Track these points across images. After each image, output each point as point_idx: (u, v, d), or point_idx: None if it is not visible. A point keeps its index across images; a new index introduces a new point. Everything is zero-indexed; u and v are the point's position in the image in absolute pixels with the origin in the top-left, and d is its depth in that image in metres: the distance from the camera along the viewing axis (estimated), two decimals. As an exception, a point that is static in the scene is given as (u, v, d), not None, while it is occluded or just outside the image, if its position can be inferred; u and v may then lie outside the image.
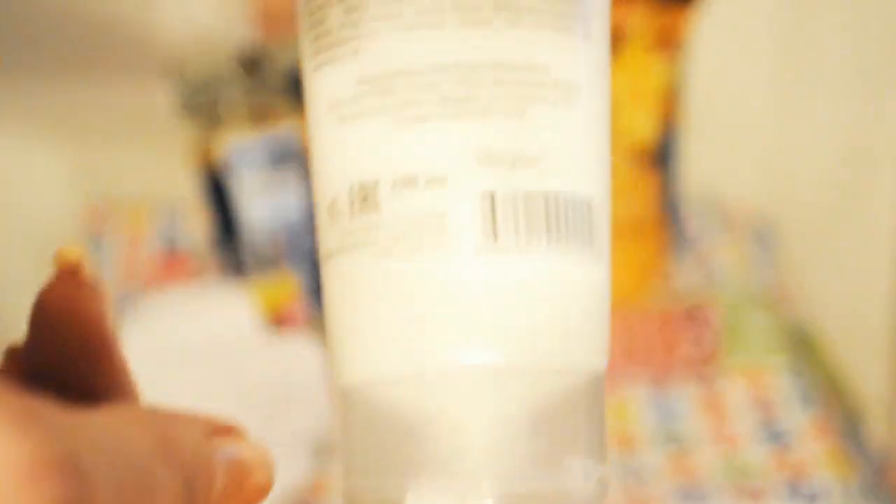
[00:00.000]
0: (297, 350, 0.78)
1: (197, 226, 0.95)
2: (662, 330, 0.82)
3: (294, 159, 0.81)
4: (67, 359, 0.31)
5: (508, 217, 0.32)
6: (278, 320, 0.83)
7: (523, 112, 0.32)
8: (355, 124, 0.32)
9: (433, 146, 0.32)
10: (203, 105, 0.80)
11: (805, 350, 0.86)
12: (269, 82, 0.81)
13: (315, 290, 0.84)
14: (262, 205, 0.82)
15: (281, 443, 0.73)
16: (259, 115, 0.81)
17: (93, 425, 0.24)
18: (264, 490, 0.29)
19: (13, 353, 0.32)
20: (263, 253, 0.83)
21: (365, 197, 0.32)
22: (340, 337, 0.33)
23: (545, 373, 0.32)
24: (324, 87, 0.33)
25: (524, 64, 0.32)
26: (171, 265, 0.94)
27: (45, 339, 0.31)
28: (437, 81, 0.32)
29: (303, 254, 0.83)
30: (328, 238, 0.33)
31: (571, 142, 0.33)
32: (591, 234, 0.33)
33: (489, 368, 0.31)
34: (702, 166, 0.99)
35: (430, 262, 0.32)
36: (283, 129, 0.81)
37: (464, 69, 0.32)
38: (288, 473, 0.72)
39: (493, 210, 0.32)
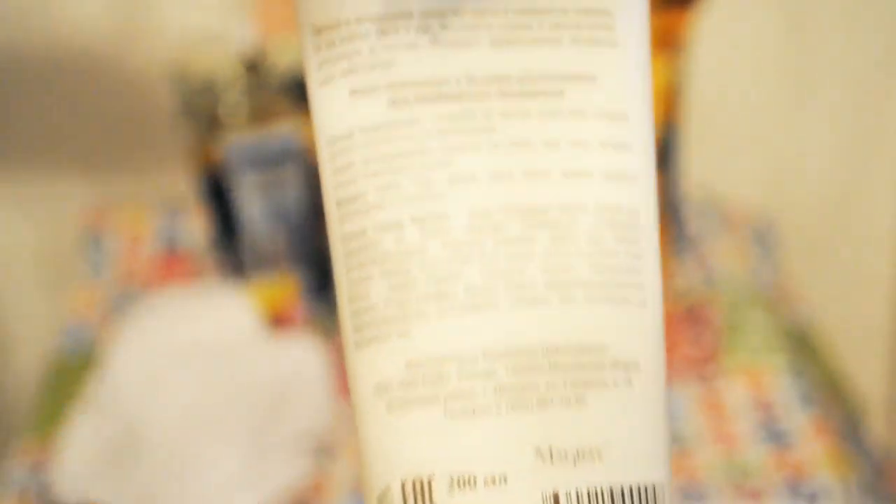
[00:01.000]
0: (297, 350, 0.78)
1: (197, 226, 0.95)
2: (662, 330, 0.82)
3: (294, 159, 0.81)
4: None
5: None
6: (278, 320, 0.83)
7: (583, 400, 0.30)
8: (406, 413, 0.30)
9: (491, 443, 0.30)
10: (203, 105, 0.80)
11: (805, 350, 0.86)
12: (269, 83, 0.81)
13: (315, 289, 0.84)
14: (262, 205, 0.82)
15: (281, 443, 0.73)
16: (259, 116, 0.81)
17: None
18: None
19: None
20: (263, 253, 0.83)
21: (421, 493, 0.30)
22: None
23: None
24: (369, 367, 0.31)
25: (581, 346, 0.31)
26: (171, 265, 0.94)
27: None
28: (491, 370, 0.30)
29: (303, 254, 0.83)
30: None
31: (634, 426, 0.31)
32: None
33: None
34: (702, 166, 0.99)
35: None
36: (283, 129, 0.81)
37: (519, 355, 0.30)
38: (288, 473, 0.72)
39: None
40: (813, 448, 0.75)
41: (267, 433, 0.73)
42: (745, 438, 0.75)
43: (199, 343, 0.76)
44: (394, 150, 0.31)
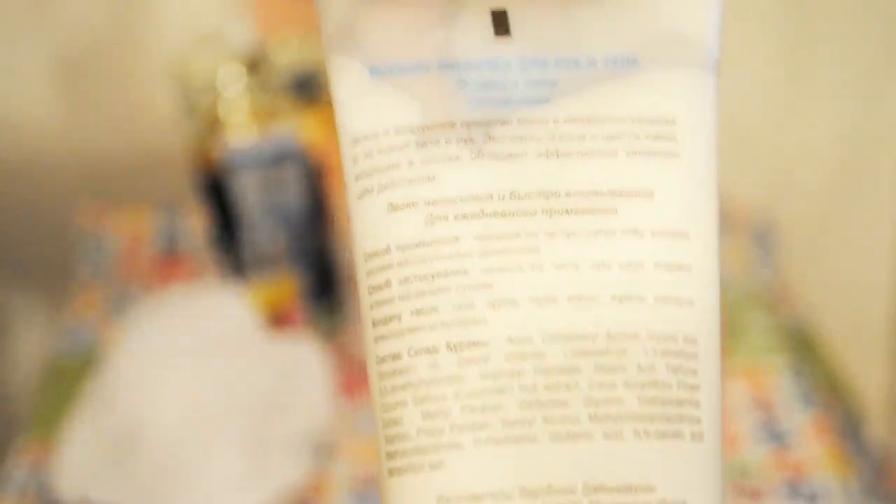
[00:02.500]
0: (297, 350, 0.78)
1: (197, 226, 0.95)
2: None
3: (294, 159, 0.81)
4: None
5: None
6: (278, 320, 0.83)
7: None
8: None
9: None
10: (203, 105, 0.80)
11: (805, 350, 0.86)
12: (269, 83, 0.81)
13: (315, 290, 0.84)
14: (262, 205, 0.82)
15: (281, 443, 0.73)
16: (259, 116, 0.81)
17: None
18: None
19: None
20: (263, 253, 0.83)
21: None
22: None
23: None
24: (400, 498, 0.29)
25: (626, 485, 0.29)
26: (171, 265, 0.94)
27: None
28: None
29: (303, 254, 0.83)
30: None
31: None
32: None
33: None
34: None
35: None
36: (283, 129, 0.81)
37: (557, 494, 0.28)
38: (288, 473, 0.72)
39: None
40: (813, 448, 0.75)
41: (267, 433, 0.73)
42: (745, 438, 0.75)
43: (199, 343, 0.76)
44: (431, 271, 0.29)
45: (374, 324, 0.30)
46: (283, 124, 0.81)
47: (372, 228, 0.30)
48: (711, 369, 0.30)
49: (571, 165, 0.30)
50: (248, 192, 0.81)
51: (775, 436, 0.76)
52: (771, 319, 0.86)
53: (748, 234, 0.97)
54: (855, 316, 1.14)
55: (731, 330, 0.83)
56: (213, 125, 0.80)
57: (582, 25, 0.30)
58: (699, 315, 0.30)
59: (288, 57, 0.81)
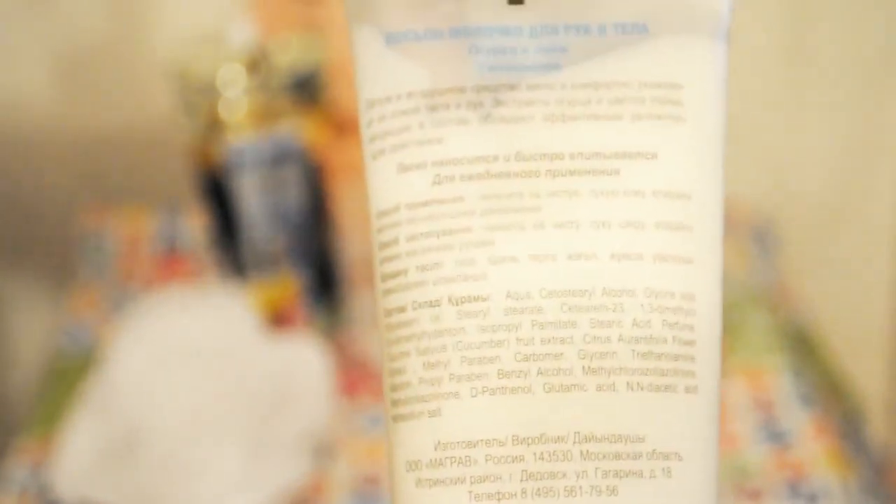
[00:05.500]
0: (297, 350, 0.78)
1: (197, 226, 0.95)
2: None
3: (294, 159, 0.81)
4: None
5: None
6: (278, 320, 0.83)
7: (615, 490, 0.29)
8: (432, 492, 0.30)
9: None
10: (203, 105, 0.80)
11: (805, 350, 0.86)
12: (269, 83, 0.81)
13: (315, 290, 0.84)
14: (262, 205, 0.82)
15: (281, 443, 0.73)
16: (259, 116, 0.81)
17: None
18: None
19: None
20: (263, 253, 0.83)
21: None
22: None
23: None
24: (402, 443, 0.31)
25: (617, 434, 0.30)
26: (171, 265, 0.94)
27: None
28: (519, 455, 0.30)
29: (303, 254, 0.83)
30: None
31: None
32: None
33: None
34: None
35: None
36: (283, 129, 0.81)
37: (549, 443, 0.30)
38: (288, 473, 0.72)
39: None
40: (813, 448, 0.75)
41: (267, 433, 0.73)
42: (745, 438, 0.75)
43: (199, 343, 0.76)
44: (436, 229, 0.31)
45: (383, 278, 0.32)
46: (283, 124, 0.81)
47: (383, 188, 0.32)
48: (709, 326, 0.31)
49: (576, 128, 0.31)
50: (248, 192, 0.81)
51: (775, 436, 0.76)
52: (771, 319, 0.86)
53: (748, 234, 0.97)
54: (855, 316, 1.14)
55: (731, 330, 0.83)
56: (213, 125, 0.80)
57: None
58: (698, 273, 0.30)
59: (288, 57, 0.81)
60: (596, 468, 0.29)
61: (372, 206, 0.32)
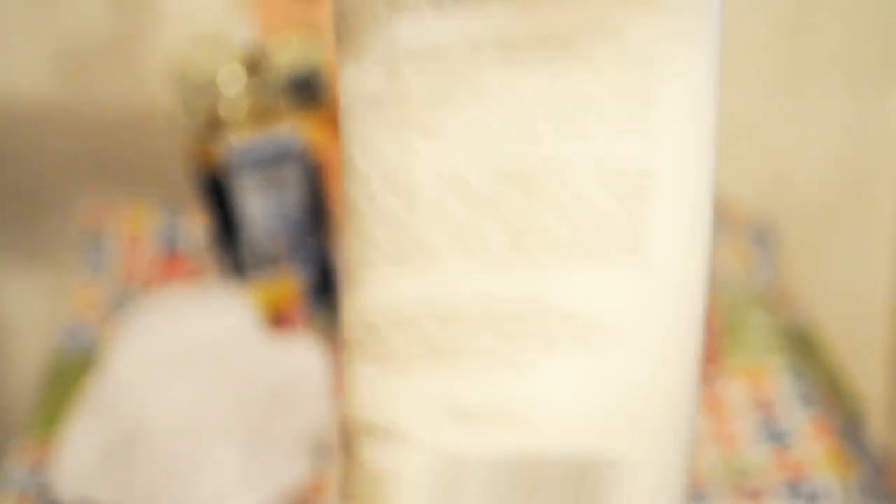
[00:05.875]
0: (297, 350, 0.78)
1: (197, 226, 0.95)
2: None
3: (294, 159, 0.81)
4: None
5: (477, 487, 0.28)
6: (278, 320, 0.83)
7: (514, 361, 0.28)
8: (350, 356, 0.31)
9: (404, 395, 0.29)
10: (203, 105, 0.80)
11: (805, 350, 0.86)
12: (269, 83, 0.81)
13: (315, 290, 0.84)
14: (262, 205, 0.82)
15: (281, 443, 0.73)
16: (259, 116, 0.81)
17: None
18: None
19: None
20: (263, 253, 0.83)
21: (346, 436, 0.31)
22: None
23: None
24: (344, 311, 0.32)
25: (527, 300, 0.28)
26: (171, 265, 0.94)
27: None
28: (421, 323, 0.29)
29: (303, 254, 0.83)
30: None
31: (579, 391, 0.28)
32: None
33: None
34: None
35: None
36: (283, 129, 0.81)
37: (456, 309, 0.29)
38: (288, 473, 0.72)
39: (459, 478, 0.28)
40: (813, 448, 0.75)
41: (267, 433, 0.73)
42: (745, 438, 0.75)
43: (199, 343, 0.76)
44: (382, 120, 0.31)
45: (343, 167, 0.33)
46: (283, 124, 0.81)
47: (343, 88, 0.32)
48: (672, 206, 0.29)
49: (537, 8, 0.29)
50: (248, 192, 0.81)
51: (775, 436, 0.76)
52: (771, 319, 0.86)
53: (748, 234, 0.97)
54: (855, 316, 1.14)
55: (731, 330, 0.84)
56: (213, 125, 0.81)
57: None
58: (664, 150, 0.29)
59: (288, 57, 0.81)
60: (497, 333, 0.29)
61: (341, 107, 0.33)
